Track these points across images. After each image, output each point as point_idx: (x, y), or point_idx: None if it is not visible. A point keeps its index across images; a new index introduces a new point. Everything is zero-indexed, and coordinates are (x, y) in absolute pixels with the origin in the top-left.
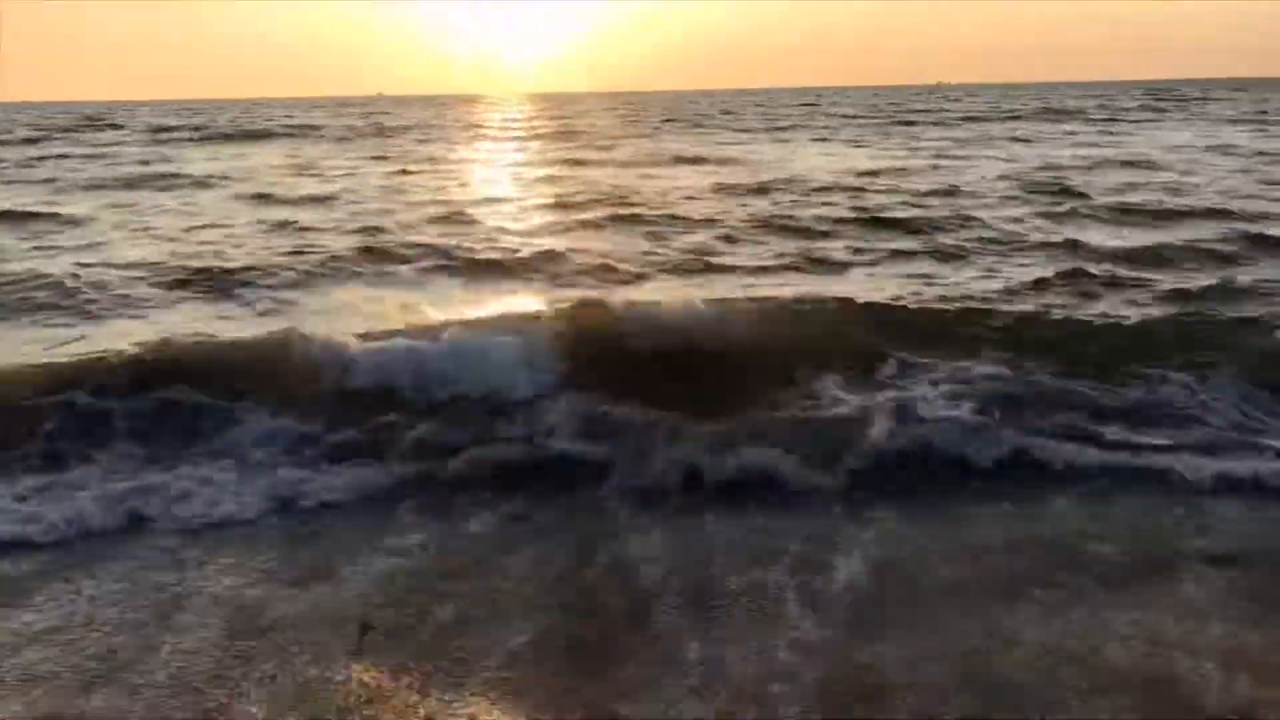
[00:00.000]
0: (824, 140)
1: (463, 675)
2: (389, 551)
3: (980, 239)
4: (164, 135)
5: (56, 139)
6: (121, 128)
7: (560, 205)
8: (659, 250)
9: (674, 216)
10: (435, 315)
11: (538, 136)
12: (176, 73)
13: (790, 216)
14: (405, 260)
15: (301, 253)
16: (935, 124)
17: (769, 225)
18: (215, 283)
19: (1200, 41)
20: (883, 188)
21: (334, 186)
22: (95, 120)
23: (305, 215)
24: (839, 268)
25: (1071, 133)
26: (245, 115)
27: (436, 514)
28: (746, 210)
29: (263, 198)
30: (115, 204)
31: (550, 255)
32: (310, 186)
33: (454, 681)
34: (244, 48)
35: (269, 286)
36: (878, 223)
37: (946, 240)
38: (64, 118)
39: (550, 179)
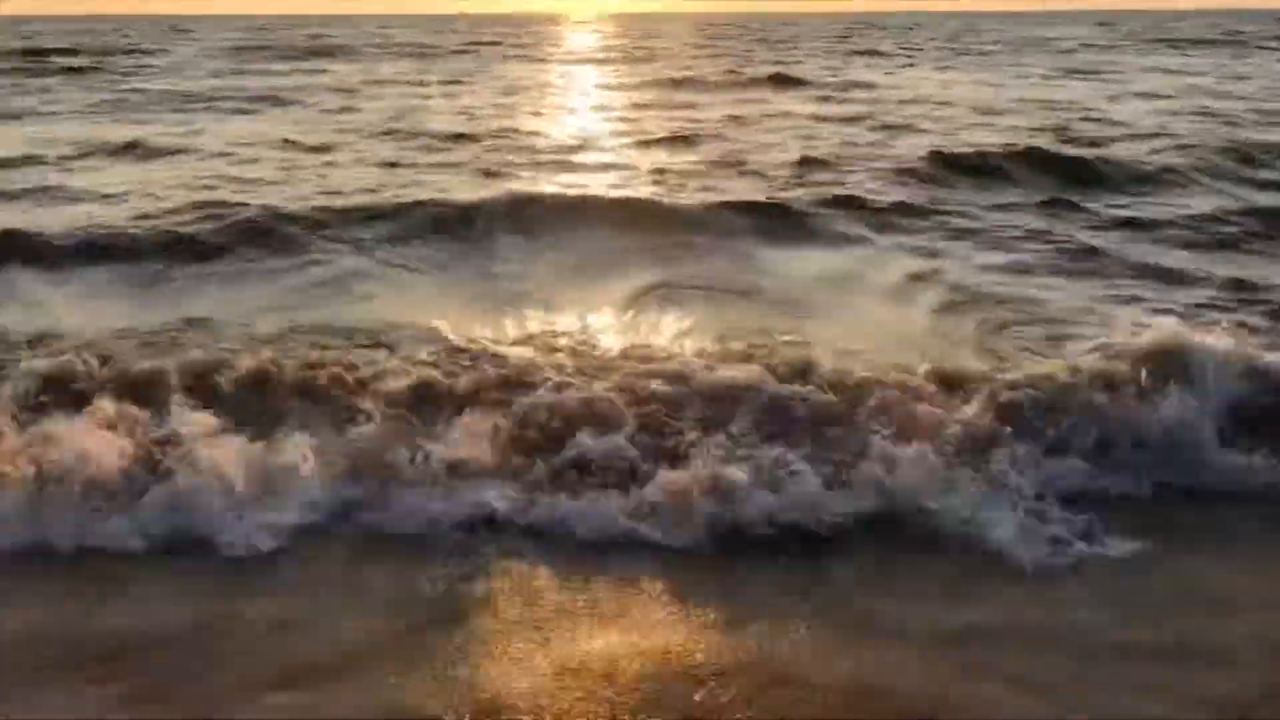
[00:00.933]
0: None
1: None
2: None
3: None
4: (243, 51)
5: (134, 53)
6: (200, 40)
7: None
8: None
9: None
10: None
11: (639, 60)
12: None
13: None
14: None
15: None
16: (1042, 50)
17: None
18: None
19: None
20: (1038, 124)
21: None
22: (182, 31)
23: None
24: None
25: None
26: (327, 30)
27: None
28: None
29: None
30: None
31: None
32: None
33: None
34: None
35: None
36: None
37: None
38: (139, 31)
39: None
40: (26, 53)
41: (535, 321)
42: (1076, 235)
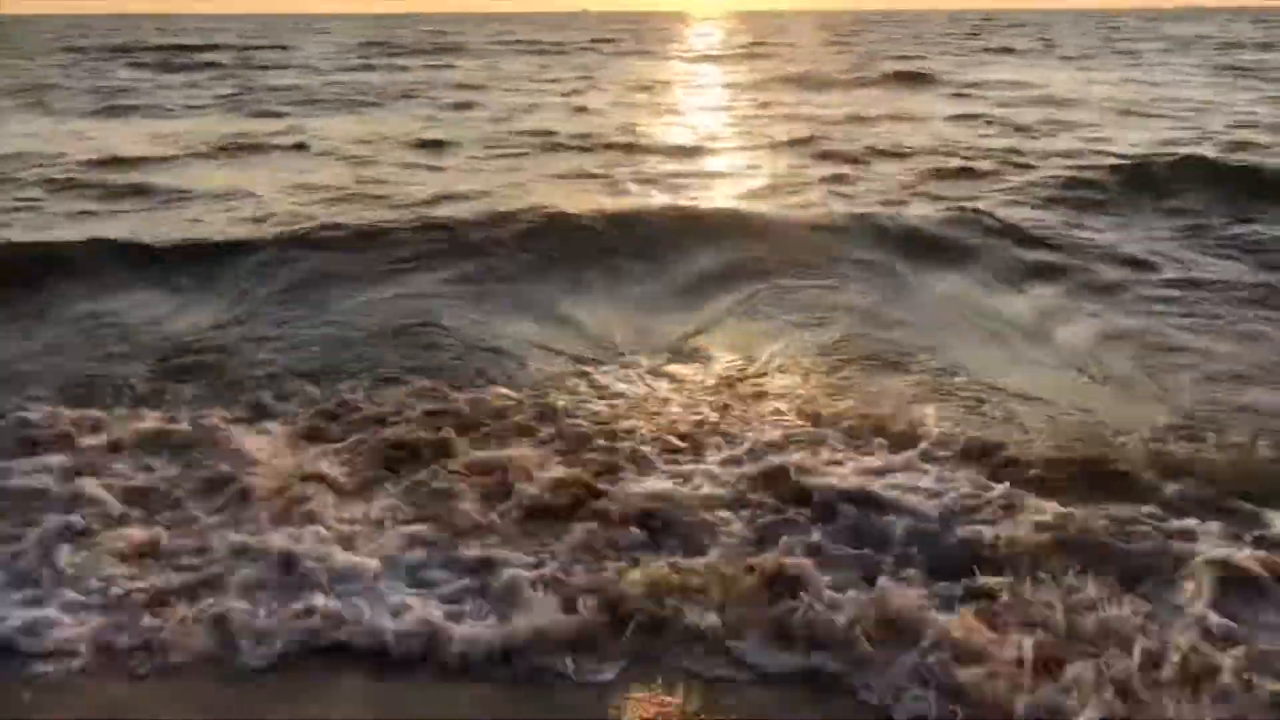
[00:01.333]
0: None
1: None
2: None
3: None
4: (371, 47)
5: (270, 49)
6: (334, 37)
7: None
8: None
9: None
10: None
11: (762, 56)
12: None
13: None
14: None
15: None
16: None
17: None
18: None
19: None
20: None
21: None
22: (317, 30)
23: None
24: None
25: None
26: (453, 27)
27: None
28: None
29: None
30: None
31: None
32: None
33: None
34: None
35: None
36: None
37: None
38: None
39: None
40: (164, 48)
41: (649, 350)
42: (1247, 263)
